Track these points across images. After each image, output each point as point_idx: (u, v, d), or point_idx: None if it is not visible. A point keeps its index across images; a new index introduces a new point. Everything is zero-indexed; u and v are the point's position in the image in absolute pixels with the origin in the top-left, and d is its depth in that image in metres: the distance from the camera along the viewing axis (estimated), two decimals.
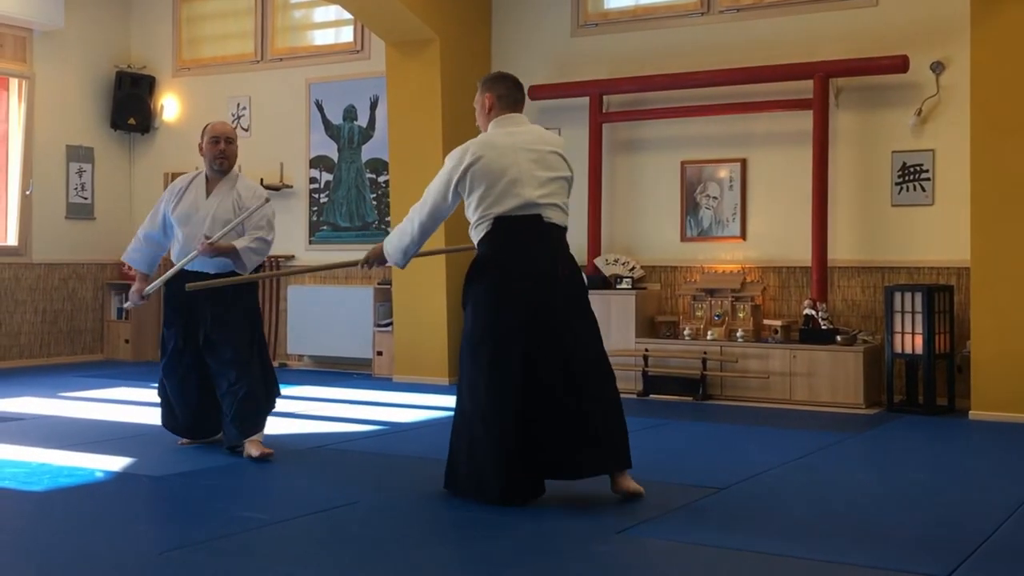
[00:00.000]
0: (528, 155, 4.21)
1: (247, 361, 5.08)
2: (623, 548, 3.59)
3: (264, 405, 5.17)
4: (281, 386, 5.42)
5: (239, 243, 5.04)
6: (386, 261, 4.48)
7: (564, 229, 4.29)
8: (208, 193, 5.19)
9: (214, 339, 5.08)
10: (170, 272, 5.14)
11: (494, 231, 4.17)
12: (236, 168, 5.32)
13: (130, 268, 5.46)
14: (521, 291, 4.13)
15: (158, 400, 5.40)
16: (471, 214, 4.24)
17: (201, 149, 5.23)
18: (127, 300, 5.56)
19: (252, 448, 5.01)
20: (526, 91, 8.41)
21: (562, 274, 4.21)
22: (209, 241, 4.98)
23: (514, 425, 4.04)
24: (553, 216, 4.21)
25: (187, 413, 5.27)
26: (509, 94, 4.37)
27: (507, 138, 4.25)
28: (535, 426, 4.07)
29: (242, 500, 4.29)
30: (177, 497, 4.39)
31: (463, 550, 3.62)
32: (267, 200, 5.17)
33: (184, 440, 5.37)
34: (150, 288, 5.31)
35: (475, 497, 4.12)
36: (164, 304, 5.36)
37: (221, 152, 5.17)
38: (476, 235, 4.25)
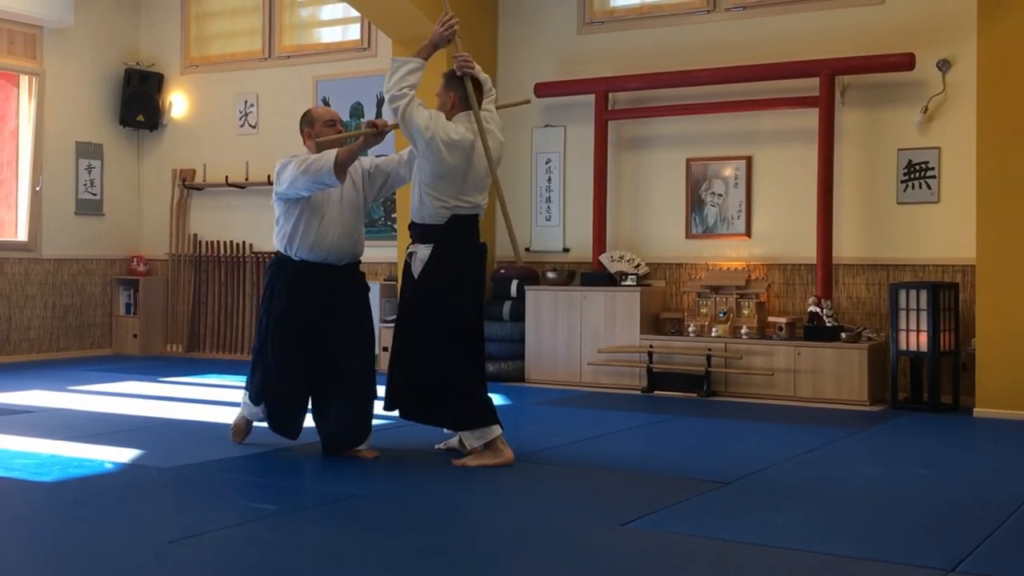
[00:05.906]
0: None
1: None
2: (626, 540, 3.61)
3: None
4: None
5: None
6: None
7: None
8: None
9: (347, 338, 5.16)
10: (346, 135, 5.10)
11: None
12: None
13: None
14: None
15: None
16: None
17: (310, 135, 5.10)
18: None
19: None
20: (532, 88, 8.43)
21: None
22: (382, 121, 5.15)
23: None
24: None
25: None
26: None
27: None
28: None
29: (250, 491, 4.33)
30: (185, 488, 4.43)
31: (467, 539, 3.65)
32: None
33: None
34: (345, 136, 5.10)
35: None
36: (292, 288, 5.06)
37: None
38: None
